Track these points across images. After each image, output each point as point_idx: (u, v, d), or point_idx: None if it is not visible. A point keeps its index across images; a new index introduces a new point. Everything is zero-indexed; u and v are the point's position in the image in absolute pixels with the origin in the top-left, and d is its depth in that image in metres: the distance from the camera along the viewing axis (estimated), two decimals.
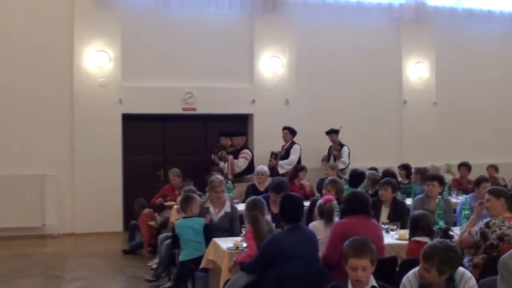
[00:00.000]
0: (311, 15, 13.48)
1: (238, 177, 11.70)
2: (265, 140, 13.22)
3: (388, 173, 9.59)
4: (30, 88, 12.25)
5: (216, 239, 6.94)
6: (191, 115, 13.13)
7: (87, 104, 12.42)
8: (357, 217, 6.07)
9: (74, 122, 12.31)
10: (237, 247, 6.43)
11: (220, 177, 8.45)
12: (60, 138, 12.27)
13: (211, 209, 7.82)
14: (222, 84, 13.16)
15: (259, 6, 13.16)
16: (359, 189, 8.58)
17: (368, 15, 13.82)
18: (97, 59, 12.50)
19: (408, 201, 9.22)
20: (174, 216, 9.24)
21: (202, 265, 6.94)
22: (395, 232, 7.09)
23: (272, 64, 13.48)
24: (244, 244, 6.38)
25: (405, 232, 6.78)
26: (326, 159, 12.96)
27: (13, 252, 10.79)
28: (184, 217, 7.46)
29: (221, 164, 11.83)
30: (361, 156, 13.32)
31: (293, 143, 12.60)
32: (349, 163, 12.75)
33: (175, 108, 12.95)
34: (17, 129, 12.11)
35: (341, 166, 12.60)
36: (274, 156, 12.38)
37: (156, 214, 10.51)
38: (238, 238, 6.72)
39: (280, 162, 12.30)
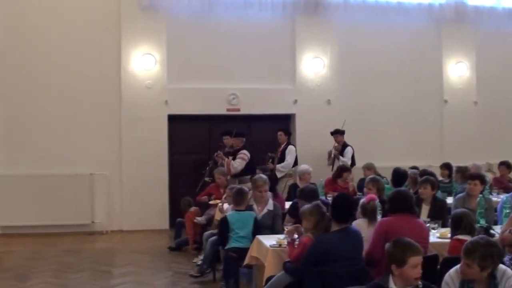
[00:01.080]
0: (352, 16, 13.50)
1: (235, 178, 11.48)
2: (307, 140, 13.33)
3: (426, 173, 9.50)
4: (80, 90, 12.59)
5: (259, 236, 7.06)
6: (235, 116, 13.27)
7: (134, 105, 12.69)
8: (401, 215, 6.10)
9: (122, 123, 12.58)
10: (280, 245, 6.50)
11: (264, 176, 8.60)
12: (108, 138, 12.55)
13: (255, 207, 7.99)
14: (265, 85, 13.30)
15: (301, 8, 13.24)
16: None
17: (408, 16, 13.78)
18: (144, 62, 12.78)
19: (449, 200, 9.23)
20: (219, 214, 9.44)
21: (246, 262, 7.06)
22: (436, 230, 7.08)
23: (314, 65, 13.55)
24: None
25: (447, 231, 6.77)
26: (330, 159, 12.84)
27: (64, 248, 11.05)
28: (236, 210, 7.66)
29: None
30: (402, 155, 13.38)
31: (288, 143, 12.53)
32: (352, 164, 12.47)
33: (220, 109, 13.15)
34: (68, 130, 12.43)
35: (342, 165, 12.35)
36: (272, 160, 12.24)
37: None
38: (281, 236, 6.78)
39: (277, 166, 12.18)
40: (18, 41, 12.54)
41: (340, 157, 12.63)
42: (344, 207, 6.02)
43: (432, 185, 8.16)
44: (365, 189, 8.18)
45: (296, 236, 6.35)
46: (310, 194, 7.68)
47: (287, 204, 8.80)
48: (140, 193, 12.39)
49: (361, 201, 6.87)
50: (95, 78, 12.69)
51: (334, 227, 5.91)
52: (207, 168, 11.83)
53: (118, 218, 12.45)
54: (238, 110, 13.26)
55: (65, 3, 12.71)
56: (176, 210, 12.18)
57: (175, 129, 13.05)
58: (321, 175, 11.28)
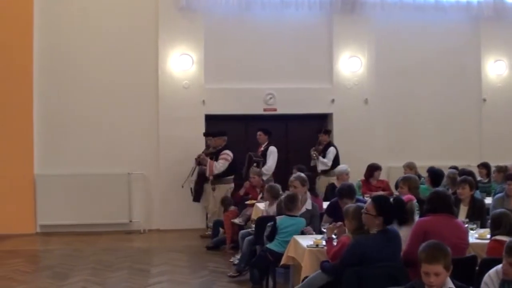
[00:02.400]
0: (389, 14, 13.42)
1: (218, 178, 11.53)
2: (344, 139, 13.26)
3: (464, 173, 9.40)
4: (118, 91, 12.77)
5: (296, 236, 7.05)
6: (272, 115, 13.29)
7: (172, 105, 12.78)
8: (440, 215, 6.05)
9: (160, 123, 12.67)
10: (317, 245, 6.49)
11: (303, 175, 8.59)
12: (146, 138, 12.65)
13: None
14: (302, 84, 13.29)
15: (337, 7, 13.20)
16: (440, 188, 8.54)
17: (446, 13, 13.62)
18: (181, 63, 12.88)
19: (488, 200, 9.12)
20: (256, 213, 9.46)
21: (282, 262, 7.07)
22: (475, 231, 7.01)
23: (351, 64, 13.49)
24: (324, 242, 6.46)
25: (485, 231, 6.71)
26: (313, 158, 12.56)
27: (102, 247, 11.19)
28: (288, 215, 7.62)
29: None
30: (440, 155, 13.27)
31: (269, 144, 12.26)
32: (334, 165, 12.14)
33: (256, 108, 13.19)
34: (106, 130, 12.59)
35: (322, 168, 12.33)
36: (257, 164, 11.79)
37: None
38: (318, 236, 6.79)
39: (262, 169, 11.80)
40: (58, 41, 12.74)
41: (320, 157, 12.40)
42: (398, 211, 6.03)
43: (471, 185, 8.04)
44: (398, 188, 8.13)
45: (334, 236, 6.33)
46: (349, 190, 7.73)
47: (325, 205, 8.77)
48: (177, 193, 12.39)
49: None
50: (133, 78, 12.83)
51: (374, 228, 5.88)
52: (192, 170, 11.93)
53: (156, 217, 12.54)
54: (275, 110, 13.26)
55: (104, 5, 12.88)
56: None
57: (212, 128, 13.07)
58: (359, 175, 11.20)
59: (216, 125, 12.92)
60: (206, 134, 12.14)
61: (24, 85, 12.45)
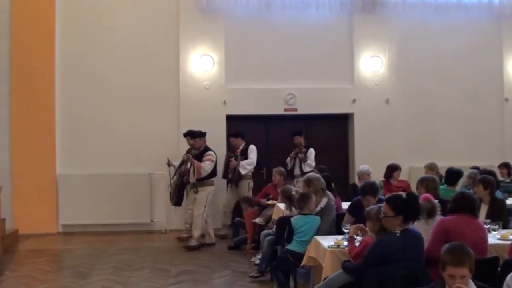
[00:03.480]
0: (410, 14, 13.35)
1: (202, 180, 11.23)
2: (365, 139, 13.26)
3: (485, 172, 9.31)
4: (139, 91, 12.84)
5: (317, 237, 7.06)
6: (293, 116, 13.30)
7: (193, 106, 12.82)
8: (461, 216, 6.03)
9: (181, 123, 12.66)
10: (338, 245, 6.49)
11: (317, 175, 8.59)
12: (167, 138, 12.66)
13: None
14: (322, 84, 13.26)
15: (358, 6, 13.16)
16: (457, 188, 8.51)
17: (467, 13, 13.52)
18: (202, 63, 12.92)
19: (510, 201, 9.06)
20: (277, 213, 9.47)
21: (303, 263, 7.08)
22: (497, 232, 6.95)
23: (372, 64, 13.44)
24: (345, 243, 6.46)
25: (507, 232, 6.68)
26: (291, 161, 12.46)
27: (124, 246, 11.27)
28: (302, 214, 7.65)
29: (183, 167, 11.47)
30: (462, 154, 13.22)
31: (247, 144, 12.25)
32: (315, 165, 12.16)
33: (277, 109, 13.19)
34: (127, 130, 12.64)
35: (307, 169, 12.09)
36: (235, 157, 11.95)
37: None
38: (339, 236, 6.79)
39: (242, 162, 11.94)
40: (79, 44, 12.85)
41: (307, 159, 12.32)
42: (414, 209, 5.94)
43: (484, 184, 7.90)
44: (417, 190, 8.10)
45: (356, 236, 6.33)
46: (372, 187, 7.76)
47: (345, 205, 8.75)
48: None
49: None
50: (155, 79, 12.91)
51: (395, 228, 5.84)
52: (176, 171, 11.71)
53: (177, 217, 12.53)
54: (296, 110, 13.26)
55: (124, 7, 12.97)
56: (234, 209, 12.24)
57: (233, 129, 13.08)
58: (380, 175, 11.16)
59: (237, 125, 12.96)
60: (186, 135, 11.78)
61: (47, 87, 12.60)
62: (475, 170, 10.01)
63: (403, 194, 6.22)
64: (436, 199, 7.04)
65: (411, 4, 13.36)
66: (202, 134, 11.56)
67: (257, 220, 10.35)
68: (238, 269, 9.39)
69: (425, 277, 5.56)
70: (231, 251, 10.82)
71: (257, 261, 9.16)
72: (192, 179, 11.18)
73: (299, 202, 7.74)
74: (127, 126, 12.66)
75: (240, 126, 12.97)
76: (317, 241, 6.91)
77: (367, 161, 11.91)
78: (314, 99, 13.20)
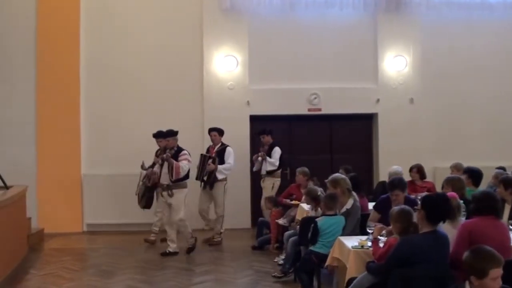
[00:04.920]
0: (434, 13, 13.28)
1: (177, 182, 10.59)
2: (390, 139, 13.21)
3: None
4: (163, 92, 12.96)
5: (341, 237, 7.03)
6: (317, 116, 13.29)
7: (217, 106, 12.90)
8: (485, 217, 5.92)
9: (205, 124, 12.70)
10: (362, 246, 6.45)
11: (342, 176, 8.55)
12: (191, 138, 12.50)
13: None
14: (346, 84, 13.23)
15: (382, 6, 13.14)
16: (482, 188, 8.42)
17: (492, 12, 13.40)
18: (226, 64, 13.00)
19: None
20: (301, 214, 9.45)
21: (327, 263, 7.04)
22: None
23: (396, 63, 13.38)
24: (369, 243, 6.42)
25: None
26: (257, 163, 12.23)
27: (148, 246, 11.33)
28: (327, 215, 7.63)
29: (155, 168, 10.96)
30: (487, 154, 13.08)
31: (223, 145, 11.85)
32: (280, 165, 12.11)
33: (301, 109, 13.19)
34: (151, 131, 12.61)
35: (270, 168, 12.02)
36: (213, 160, 11.47)
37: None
38: (364, 237, 6.74)
39: (220, 167, 11.51)
40: (103, 44, 12.99)
41: (268, 158, 12.07)
42: (438, 208, 5.81)
43: (505, 185, 7.74)
44: (442, 190, 8.02)
45: (380, 237, 6.30)
46: (400, 182, 7.79)
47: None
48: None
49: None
50: (179, 80, 13.01)
51: (424, 228, 5.78)
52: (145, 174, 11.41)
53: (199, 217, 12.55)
54: (320, 110, 13.24)
55: (148, 8, 13.07)
56: (257, 209, 12.26)
57: (256, 129, 13.10)
58: (405, 176, 11.04)
59: (260, 125, 12.95)
60: (158, 136, 11.38)
61: (72, 88, 12.78)
62: (501, 170, 9.89)
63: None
64: (461, 199, 6.96)
65: (435, 3, 13.29)
66: (174, 133, 10.93)
67: (281, 221, 10.34)
68: (262, 269, 9.39)
69: (450, 278, 5.50)
70: (255, 251, 10.81)
71: (281, 262, 9.16)
72: (166, 180, 10.55)
73: (328, 203, 7.70)
74: (151, 127, 12.59)
75: (263, 127, 12.95)
76: (341, 241, 6.88)
77: (391, 161, 11.87)
78: (338, 99, 13.17)
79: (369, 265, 6.07)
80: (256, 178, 12.99)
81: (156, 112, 12.80)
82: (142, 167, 11.41)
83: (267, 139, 12.24)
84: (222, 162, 11.64)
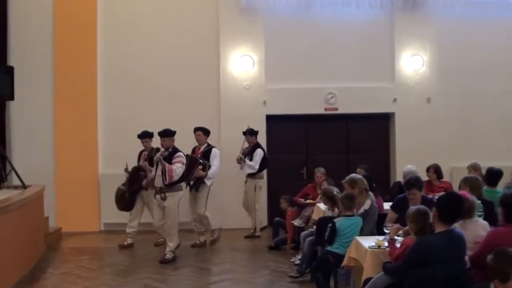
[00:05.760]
0: (451, 11, 13.18)
1: (169, 185, 10.01)
2: (407, 139, 13.16)
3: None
4: (180, 91, 13.01)
5: (358, 238, 7.03)
6: (333, 115, 13.25)
7: (233, 106, 12.91)
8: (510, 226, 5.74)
9: (221, 123, 12.75)
10: (379, 246, 6.45)
11: (359, 176, 8.52)
12: (207, 138, 12.71)
13: None
14: (363, 83, 13.19)
15: (399, 4, 13.08)
16: (498, 188, 8.37)
17: (509, 10, 13.31)
18: (242, 64, 13.01)
19: None
20: (317, 213, 9.43)
21: (344, 263, 7.05)
22: None
23: (413, 62, 13.31)
24: (386, 244, 6.41)
25: None
26: (241, 163, 12.08)
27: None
28: (346, 215, 7.61)
29: (151, 173, 10.51)
30: (505, 155, 13.01)
31: (209, 145, 11.52)
32: (262, 168, 12.06)
33: (317, 108, 13.16)
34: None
35: (249, 171, 11.95)
36: (203, 166, 11.03)
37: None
38: (380, 237, 6.75)
39: (208, 173, 11.11)
40: (120, 44, 13.07)
41: (247, 160, 11.95)
42: (450, 207, 5.76)
43: None
44: (459, 190, 7.98)
45: (397, 237, 6.28)
46: (417, 180, 7.77)
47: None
48: (239, 192, 12.41)
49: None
50: (195, 80, 13.04)
51: (439, 228, 5.75)
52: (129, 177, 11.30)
53: (218, 216, 12.49)
54: (336, 109, 13.21)
55: (165, 8, 13.13)
56: (273, 209, 12.25)
57: (273, 129, 13.13)
58: (422, 175, 10.99)
59: (277, 125, 12.97)
60: (144, 135, 11.17)
61: (89, 88, 12.89)
62: None
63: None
64: (479, 199, 6.92)
65: (452, 2, 13.19)
66: (171, 133, 10.28)
67: (296, 222, 10.30)
68: (278, 269, 9.38)
69: (467, 278, 5.48)
70: (272, 250, 10.81)
71: (297, 262, 9.14)
72: (159, 183, 10.02)
73: (346, 203, 7.67)
74: (168, 126, 12.64)
75: (280, 126, 12.98)
76: (358, 241, 6.88)
77: (408, 161, 11.78)
78: (354, 98, 13.14)
79: (386, 266, 6.06)
80: (272, 177, 12.99)
81: (172, 112, 12.80)
82: (126, 170, 11.36)
83: (252, 139, 12.10)
84: (207, 161, 11.27)
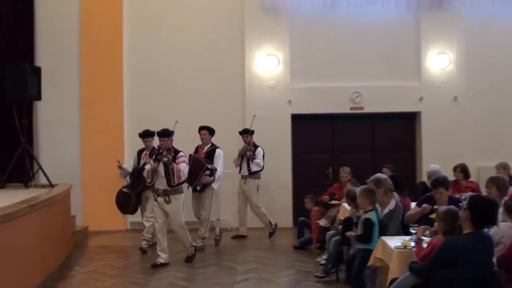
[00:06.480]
0: (478, 9, 13.08)
1: (176, 186, 9.73)
2: (433, 138, 13.06)
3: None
4: (205, 91, 13.06)
5: (384, 238, 7.01)
6: (359, 114, 13.20)
7: (258, 105, 12.87)
8: None
9: (247, 123, 12.62)
10: (405, 246, 6.42)
11: (384, 175, 8.47)
12: (233, 138, 12.46)
13: (377, 205, 7.87)
14: (389, 82, 13.13)
15: (425, 3, 13.00)
16: None
17: None
18: (267, 63, 13.02)
19: None
20: (343, 213, 9.40)
21: (370, 263, 7.03)
22: None
23: (439, 61, 13.20)
24: (412, 244, 6.37)
25: None
26: (238, 158, 11.95)
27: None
28: (369, 210, 7.58)
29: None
30: None
31: (213, 145, 11.39)
32: (263, 166, 11.98)
33: (343, 107, 13.12)
34: (193, 130, 12.41)
35: (255, 169, 11.87)
36: (210, 172, 10.86)
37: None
38: (407, 237, 6.71)
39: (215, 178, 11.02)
40: (145, 44, 13.16)
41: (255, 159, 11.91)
42: (483, 212, 5.72)
43: None
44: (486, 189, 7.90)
45: (424, 237, 6.23)
46: (444, 179, 7.77)
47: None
48: (264, 191, 12.40)
49: (504, 199, 6.52)
50: (221, 79, 13.10)
51: (467, 229, 5.70)
52: (128, 180, 11.10)
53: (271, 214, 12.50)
54: (362, 108, 13.16)
55: (190, 8, 13.19)
56: (299, 208, 12.23)
57: (298, 128, 13.11)
58: (449, 175, 10.89)
59: (302, 124, 12.95)
60: (146, 135, 10.94)
61: (115, 88, 13.04)
62: None
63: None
64: None
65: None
66: (170, 133, 9.87)
67: (322, 222, 10.28)
68: (303, 269, 9.38)
69: (495, 281, 5.43)
70: (297, 250, 10.80)
71: (323, 261, 9.11)
72: (162, 185, 9.67)
73: (370, 197, 7.58)
74: (192, 126, 12.68)
75: (305, 125, 12.94)
76: (384, 242, 6.86)
77: (435, 160, 11.70)
78: (380, 97, 13.08)
79: (412, 266, 6.03)
80: (297, 176, 12.97)
81: (198, 112, 12.82)
82: (120, 167, 11.21)
83: (250, 139, 12.01)
84: (211, 162, 11.15)
